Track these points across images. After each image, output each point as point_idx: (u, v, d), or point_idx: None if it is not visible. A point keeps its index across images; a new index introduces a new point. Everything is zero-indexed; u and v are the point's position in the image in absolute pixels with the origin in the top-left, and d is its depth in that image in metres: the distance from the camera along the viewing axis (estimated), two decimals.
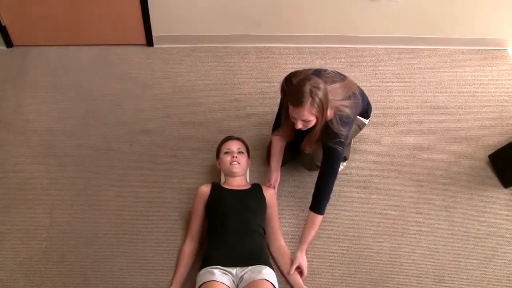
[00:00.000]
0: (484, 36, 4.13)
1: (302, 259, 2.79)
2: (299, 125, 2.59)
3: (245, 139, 3.10)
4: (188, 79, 3.85)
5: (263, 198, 2.85)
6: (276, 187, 3.07)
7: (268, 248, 2.87)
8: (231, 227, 2.66)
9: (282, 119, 2.83)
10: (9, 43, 3.98)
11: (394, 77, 3.93)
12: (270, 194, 2.92)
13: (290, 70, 2.84)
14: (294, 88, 2.52)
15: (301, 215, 3.07)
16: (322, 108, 2.49)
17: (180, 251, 2.86)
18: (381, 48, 4.14)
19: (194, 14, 3.88)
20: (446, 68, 4.03)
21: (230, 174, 2.91)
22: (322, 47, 4.10)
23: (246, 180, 3.02)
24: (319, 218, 2.79)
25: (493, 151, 3.40)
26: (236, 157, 2.91)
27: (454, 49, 4.18)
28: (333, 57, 4.02)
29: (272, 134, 3.05)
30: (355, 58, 4.04)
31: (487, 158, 3.41)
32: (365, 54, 4.08)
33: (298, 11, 3.89)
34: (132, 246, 2.91)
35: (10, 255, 2.84)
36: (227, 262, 2.57)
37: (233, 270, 2.55)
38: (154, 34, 4.00)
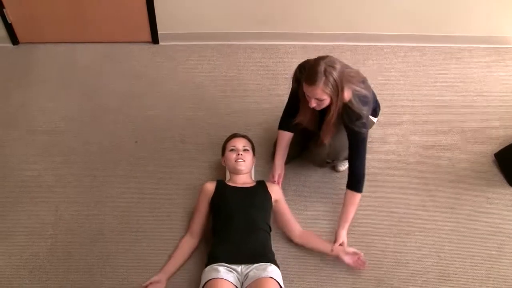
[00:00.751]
0: (491, 34, 4.11)
1: (344, 237, 2.85)
2: (313, 104, 2.57)
3: (250, 137, 3.10)
4: (194, 76, 3.85)
5: (268, 195, 2.85)
6: (281, 183, 3.07)
7: (293, 241, 2.90)
8: (236, 224, 2.66)
9: (300, 105, 2.79)
10: (15, 41, 4.00)
11: (400, 75, 3.92)
12: (275, 190, 2.92)
13: (295, 67, 2.83)
14: (309, 67, 2.52)
15: (306, 212, 3.08)
16: (337, 88, 2.48)
17: (178, 243, 2.86)
18: (387, 46, 4.13)
19: (199, 11, 3.88)
20: (452, 66, 4.02)
21: (235, 172, 2.91)
22: (328, 45, 4.09)
23: (251, 178, 3.02)
24: (358, 196, 2.84)
25: (499, 149, 3.39)
26: (241, 154, 2.91)
27: (460, 47, 4.16)
28: (338, 55, 3.98)
29: (279, 128, 3.04)
30: (360, 56, 4.04)
31: (493, 156, 3.40)
32: (371, 52, 4.07)
33: (304, 8, 3.88)
34: (137, 243, 2.91)
35: (16, 252, 2.86)
36: (232, 259, 2.57)
37: (238, 268, 2.55)
38: (159, 31, 4.01)
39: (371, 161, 3.33)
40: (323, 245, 2.86)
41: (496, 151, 3.40)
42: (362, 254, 2.79)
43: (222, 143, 3.08)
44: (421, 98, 3.76)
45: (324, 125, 2.76)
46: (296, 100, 2.84)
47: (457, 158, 3.40)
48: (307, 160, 3.22)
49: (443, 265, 2.88)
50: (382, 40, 4.09)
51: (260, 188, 2.88)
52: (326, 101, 2.55)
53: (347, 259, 2.78)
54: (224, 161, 3.00)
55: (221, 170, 3.21)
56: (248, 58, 4.01)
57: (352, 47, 4.09)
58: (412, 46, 4.15)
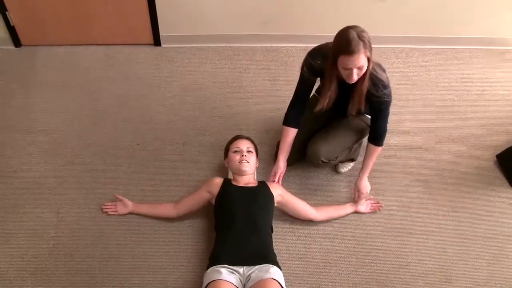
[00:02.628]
0: (492, 35, 4.12)
1: (363, 186, 3.09)
2: (354, 76, 2.52)
3: (252, 138, 3.10)
4: (195, 78, 3.86)
5: (270, 195, 2.85)
6: (280, 182, 3.06)
7: (314, 221, 3.03)
8: (239, 225, 2.66)
9: (322, 88, 2.78)
10: (17, 43, 4.01)
11: (402, 76, 3.93)
12: (276, 187, 2.93)
13: (297, 69, 2.83)
14: (341, 39, 2.47)
15: None
16: (371, 48, 2.49)
17: (162, 203, 3.06)
18: (388, 47, 4.13)
19: (201, 14, 3.89)
20: (454, 68, 4.02)
21: (239, 173, 2.91)
22: None
23: (254, 179, 3.02)
24: (379, 149, 2.97)
25: (500, 151, 3.39)
26: (245, 155, 2.91)
27: (461, 48, 4.17)
28: None
29: (284, 123, 3.01)
30: None
31: (495, 158, 3.40)
32: (373, 53, 4.06)
33: (305, 11, 3.89)
34: (139, 245, 2.91)
35: (18, 253, 2.86)
36: (234, 261, 2.57)
37: (240, 269, 2.55)
38: (161, 33, 4.01)
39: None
40: (344, 209, 3.09)
41: (498, 152, 3.40)
42: (372, 197, 3.14)
43: (224, 144, 3.08)
44: (423, 100, 3.76)
45: (355, 93, 2.70)
46: (306, 89, 2.87)
47: (458, 160, 3.40)
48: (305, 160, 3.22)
49: (445, 267, 2.88)
50: (384, 42, 4.09)
51: (263, 188, 2.88)
52: (365, 66, 2.51)
53: (363, 209, 3.11)
54: (228, 162, 3.00)
55: (223, 172, 3.21)
56: (249, 60, 4.01)
57: None
58: (413, 48, 4.15)
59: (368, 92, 2.66)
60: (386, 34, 4.05)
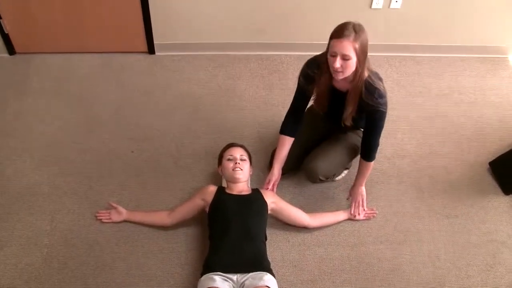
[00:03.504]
0: (485, 44, 4.15)
1: (358, 194, 3.09)
2: (337, 64, 2.50)
3: (246, 146, 3.11)
4: (190, 86, 3.87)
5: (264, 203, 2.85)
6: (275, 190, 3.06)
7: (308, 228, 3.03)
8: (233, 232, 2.66)
9: (317, 88, 2.80)
10: (11, 51, 4.01)
11: (395, 84, 3.95)
12: (269, 195, 2.92)
13: (291, 77, 2.86)
14: (338, 26, 2.54)
15: None
16: (364, 50, 2.51)
17: (156, 211, 3.05)
18: (381, 55, 4.15)
19: (195, 22, 3.90)
20: (447, 76, 4.04)
21: (233, 180, 2.91)
22: None
23: (248, 186, 3.03)
24: (370, 165, 2.96)
25: (493, 158, 3.41)
26: (238, 163, 2.91)
27: (454, 56, 4.19)
28: None
29: (280, 132, 3.03)
30: None
31: (488, 165, 3.42)
32: (369, 60, 4.08)
33: (299, 19, 3.91)
34: (133, 253, 2.91)
35: (11, 261, 2.84)
36: (228, 268, 2.56)
37: (234, 277, 2.55)
38: (155, 41, 4.02)
39: None
40: (338, 216, 3.11)
41: (491, 159, 3.41)
42: (364, 204, 3.13)
43: (218, 152, 3.09)
44: (416, 107, 3.78)
45: (349, 99, 2.71)
46: (303, 98, 2.89)
47: (452, 167, 3.42)
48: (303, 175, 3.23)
49: (439, 274, 2.89)
50: (377, 50, 4.11)
51: (256, 196, 2.88)
52: (351, 61, 2.51)
53: (358, 216, 3.12)
54: (221, 170, 3.01)
55: (217, 180, 3.21)
56: (243, 68, 4.03)
57: None
58: (407, 56, 4.18)
59: (363, 100, 2.66)
60: (379, 42, 4.07)
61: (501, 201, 3.25)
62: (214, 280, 2.50)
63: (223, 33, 4.01)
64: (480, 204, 3.22)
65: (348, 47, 2.47)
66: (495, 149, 3.51)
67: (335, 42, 2.50)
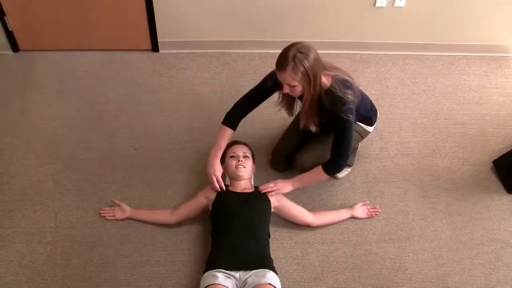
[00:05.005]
0: (488, 42, 4.13)
1: (280, 183, 2.92)
2: (286, 89, 2.57)
3: (248, 144, 3.11)
4: (193, 84, 3.87)
5: (267, 201, 2.85)
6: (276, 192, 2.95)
7: (311, 226, 3.00)
8: (235, 230, 2.67)
9: (282, 93, 2.81)
10: (15, 48, 4.01)
11: (399, 83, 3.94)
12: (273, 195, 2.91)
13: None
14: (281, 52, 2.52)
15: None
16: (308, 76, 2.47)
17: (159, 208, 3.06)
18: (385, 54, 4.14)
19: (199, 19, 3.90)
20: (451, 75, 4.03)
21: (236, 178, 2.92)
22: (327, 53, 4.08)
23: (251, 184, 3.03)
24: (320, 173, 2.82)
25: (497, 156, 3.40)
26: (241, 161, 2.92)
27: (458, 55, 4.18)
28: (337, 63, 3.96)
29: (224, 123, 2.95)
30: (359, 64, 4.05)
31: (491, 163, 3.41)
32: (370, 60, 4.08)
33: (303, 17, 3.90)
34: (136, 251, 2.91)
35: (15, 258, 2.86)
36: (230, 265, 2.57)
37: (237, 274, 2.55)
38: (159, 39, 4.02)
39: (370, 168, 3.35)
40: (341, 214, 3.07)
41: (495, 158, 3.41)
42: (368, 202, 3.14)
43: None
44: (420, 106, 3.77)
45: (301, 110, 2.75)
46: (261, 97, 2.92)
47: (455, 166, 3.41)
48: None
49: (442, 272, 2.88)
50: (381, 48, 4.11)
51: (260, 193, 2.88)
52: (298, 88, 2.53)
53: (360, 214, 3.09)
54: (224, 167, 3.01)
55: None
56: (247, 66, 4.02)
57: (351, 56, 4.11)
58: (410, 54, 4.16)
59: (326, 107, 2.65)
60: (383, 40, 4.07)
61: (504, 199, 3.24)
62: (216, 277, 2.50)
63: (226, 31, 4.01)
64: (484, 203, 3.22)
65: (289, 79, 2.49)
66: (498, 148, 3.50)
67: (277, 73, 2.53)
